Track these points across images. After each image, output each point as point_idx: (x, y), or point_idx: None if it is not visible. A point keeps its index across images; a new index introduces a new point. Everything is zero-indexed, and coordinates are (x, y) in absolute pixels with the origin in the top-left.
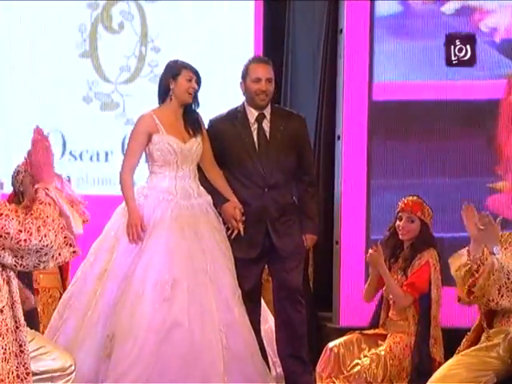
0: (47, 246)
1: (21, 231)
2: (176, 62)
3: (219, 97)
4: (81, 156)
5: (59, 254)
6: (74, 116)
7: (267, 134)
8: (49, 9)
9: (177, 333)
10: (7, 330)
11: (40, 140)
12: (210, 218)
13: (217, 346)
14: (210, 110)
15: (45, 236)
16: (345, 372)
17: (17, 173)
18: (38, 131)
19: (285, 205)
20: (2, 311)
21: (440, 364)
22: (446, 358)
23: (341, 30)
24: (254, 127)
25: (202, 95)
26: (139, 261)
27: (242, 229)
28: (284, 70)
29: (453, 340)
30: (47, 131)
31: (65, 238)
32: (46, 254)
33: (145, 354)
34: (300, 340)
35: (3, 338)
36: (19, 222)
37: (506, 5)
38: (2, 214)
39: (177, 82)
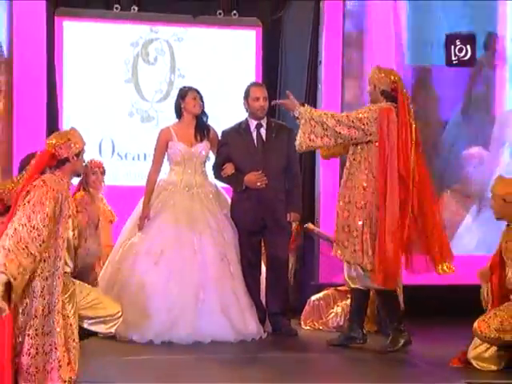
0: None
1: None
2: (184, 87)
3: (229, 109)
4: (126, 156)
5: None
6: (120, 127)
7: (263, 138)
8: (103, 48)
9: (159, 287)
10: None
11: None
12: (207, 203)
13: (190, 299)
14: (224, 119)
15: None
16: (323, 318)
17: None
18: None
19: (278, 188)
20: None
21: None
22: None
23: (320, 62)
24: (254, 133)
25: (216, 108)
26: (139, 236)
27: (264, 180)
28: (278, 90)
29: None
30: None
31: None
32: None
33: (138, 301)
34: (282, 299)
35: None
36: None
37: None
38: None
39: (185, 100)
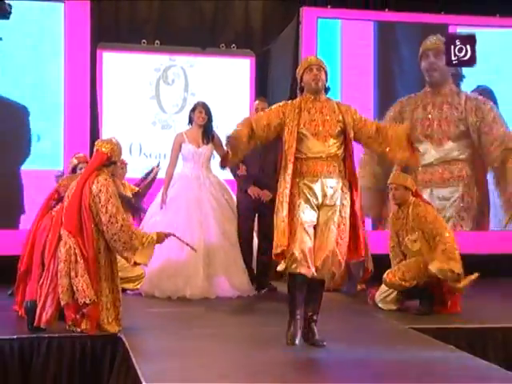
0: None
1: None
2: (198, 102)
3: (229, 119)
4: (150, 156)
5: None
6: (146, 133)
7: None
8: (133, 72)
9: (175, 255)
10: (105, 263)
11: None
12: (211, 190)
13: (199, 264)
14: (225, 126)
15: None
16: None
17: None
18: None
19: (272, 181)
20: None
21: (371, 272)
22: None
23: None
24: None
25: (219, 118)
26: (159, 216)
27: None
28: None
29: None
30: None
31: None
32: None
33: (159, 266)
34: (266, 263)
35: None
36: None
37: None
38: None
39: (194, 113)
